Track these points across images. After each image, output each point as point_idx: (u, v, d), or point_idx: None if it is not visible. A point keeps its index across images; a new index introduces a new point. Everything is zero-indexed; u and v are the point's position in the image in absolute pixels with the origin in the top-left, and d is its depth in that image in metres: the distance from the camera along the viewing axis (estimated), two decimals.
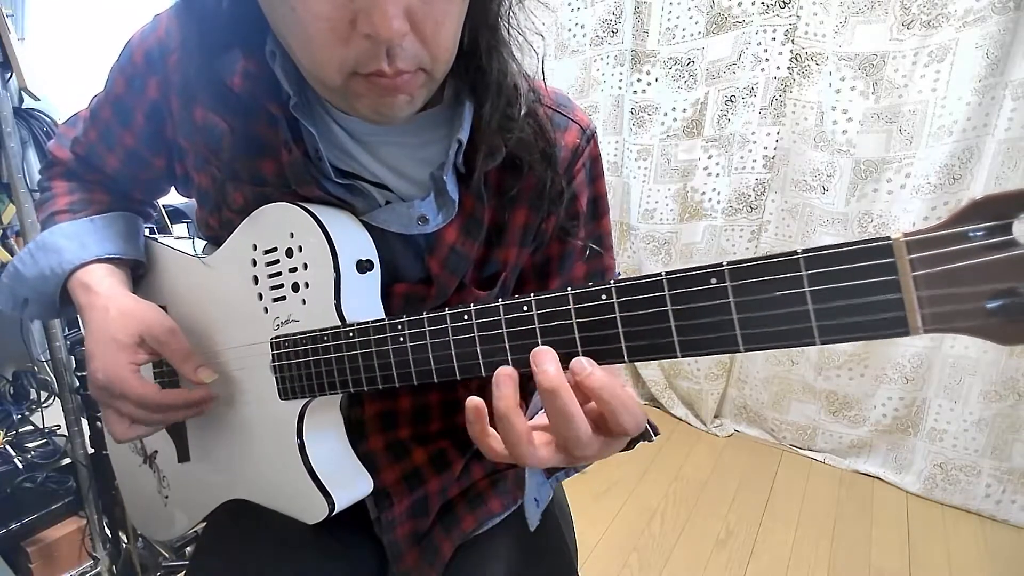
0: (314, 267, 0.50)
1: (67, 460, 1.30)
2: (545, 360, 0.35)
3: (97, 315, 0.54)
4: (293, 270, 0.52)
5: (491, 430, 0.37)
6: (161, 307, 0.58)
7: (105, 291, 0.56)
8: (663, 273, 0.32)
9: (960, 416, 1.69)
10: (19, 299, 0.60)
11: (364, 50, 0.39)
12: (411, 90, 0.43)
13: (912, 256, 0.26)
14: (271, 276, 0.53)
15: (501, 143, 0.51)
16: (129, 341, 0.53)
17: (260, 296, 0.54)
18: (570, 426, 0.35)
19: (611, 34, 2.07)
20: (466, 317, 0.40)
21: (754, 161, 1.91)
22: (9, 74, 1.12)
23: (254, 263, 0.54)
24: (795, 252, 0.28)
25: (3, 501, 1.23)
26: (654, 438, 0.47)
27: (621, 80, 2.09)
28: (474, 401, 0.36)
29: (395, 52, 0.39)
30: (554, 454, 0.37)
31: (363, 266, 0.51)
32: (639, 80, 2.05)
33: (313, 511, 0.52)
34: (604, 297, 0.34)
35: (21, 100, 1.23)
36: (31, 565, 1.25)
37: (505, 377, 0.36)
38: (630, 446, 0.44)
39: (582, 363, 0.35)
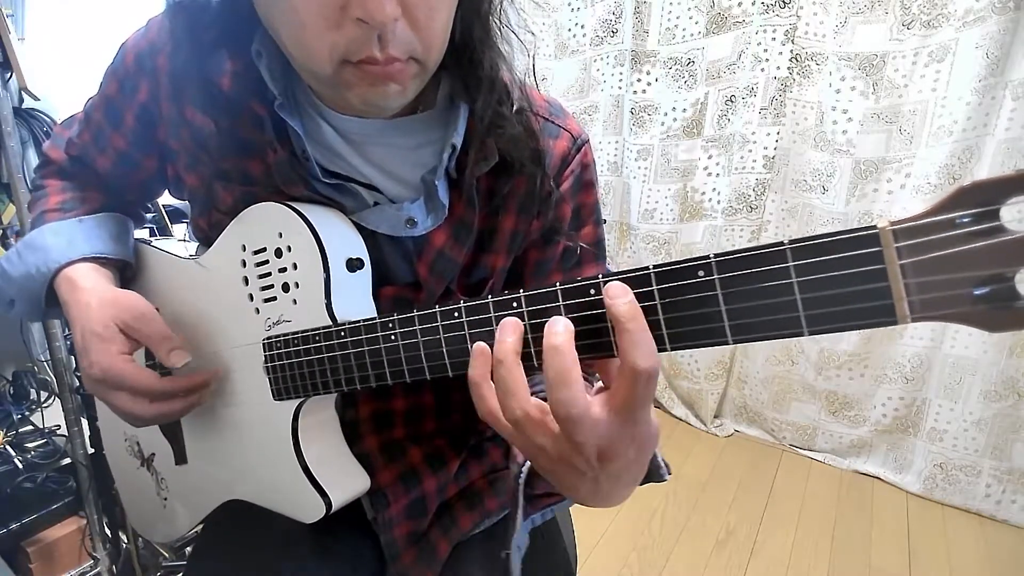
0: (303, 267, 0.50)
1: (67, 460, 1.30)
2: (557, 322, 0.34)
3: (80, 310, 0.54)
4: (283, 270, 0.51)
5: (491, 381, 0.36)
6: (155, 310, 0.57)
7: (89, 286, 0.56)
8: (651, 267, 0.32)
9: (960, 416, 1.69)
10: (5, 299, 0.60)
11: (355, 36, 0.39)
12: (402, 80, 0.43)
13: (899, 244, 0.26)
14: (261, 277, 0.53)
15: (493, 145, 0.51)
16: (109, 332, 0.52)
17: (251, 297, 0.54)
18: (565, 360, 0.32)
19: (611, 34, 2.07)
20: (456, 315, 0.40)
21: (754, 161, 1.91)
22: (9, 74, 1.12)
23: (243, 264, 0.54)
24: (781, 243, 0.28)
25: (3, 501, 1.23)
26: (667, 476, 0.44)
27: (621, 80, 2.09)
28: (481, 345, 0.37)
29: (387, 38, 0.39)
30: (548, 424, 0.34)
31: (353, 264, 0.51)
32: (639, 80, 2.05)
33: (310, 511, 0.52)
34: (593, 292, 0.34)
35: (21, 100, 1.23)
36: (31, 565, 1.25)
37: (510, 325, 0.35)
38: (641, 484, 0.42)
39: (616, 288, 0.32)
